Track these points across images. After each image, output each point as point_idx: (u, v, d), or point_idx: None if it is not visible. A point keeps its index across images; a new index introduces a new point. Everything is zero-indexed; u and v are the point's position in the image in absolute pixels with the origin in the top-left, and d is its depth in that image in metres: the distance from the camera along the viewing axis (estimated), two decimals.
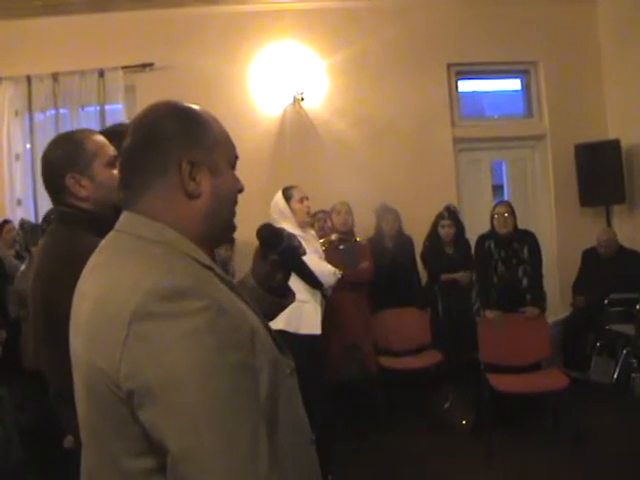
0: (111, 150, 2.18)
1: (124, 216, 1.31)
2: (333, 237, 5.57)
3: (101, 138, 2.21)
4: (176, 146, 1.27)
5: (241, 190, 1.41)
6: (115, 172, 2.14)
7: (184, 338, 1.07)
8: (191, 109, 1.35)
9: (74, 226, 2.12)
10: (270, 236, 1.59)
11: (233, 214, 1.40)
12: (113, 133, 2.36)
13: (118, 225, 1.31)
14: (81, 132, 2.24)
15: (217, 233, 1.37)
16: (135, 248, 1.24)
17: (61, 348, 2.07)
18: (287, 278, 1.63)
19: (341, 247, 5.55)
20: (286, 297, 1.66)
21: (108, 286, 1.19)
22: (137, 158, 1.29)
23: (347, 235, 5.69)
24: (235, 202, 1.40)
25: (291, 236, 1.59)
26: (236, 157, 1.41)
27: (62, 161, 2.12)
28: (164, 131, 1.28)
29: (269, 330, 1.33)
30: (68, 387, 2.02)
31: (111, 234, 1.32)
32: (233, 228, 1.42)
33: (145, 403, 1.07)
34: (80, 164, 2.12)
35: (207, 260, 1.27)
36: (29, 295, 2.20)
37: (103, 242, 1.33)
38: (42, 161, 2.20)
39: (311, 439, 1.39)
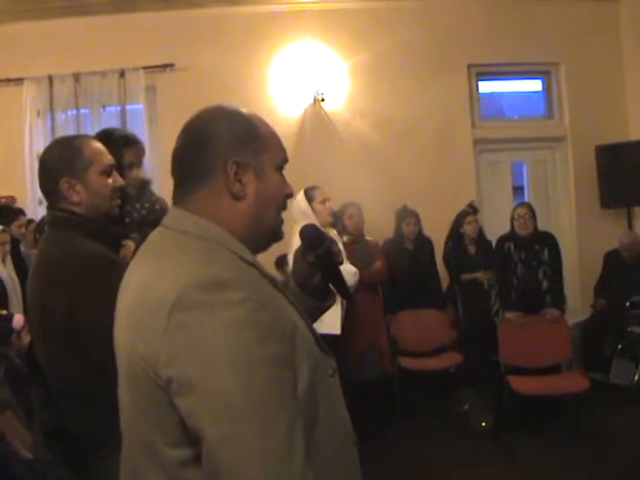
0: (108, 159, 2.19)
1: (172, 212, 1.36)
2: (345, 239, 5.53)
3: (99, 145, 2.21)
4: (224, 148, 1.31)
5: (289, 195, 1.42)
6: (109, 180, 2.16)
7: (222, 328, 1.10)
8: (240, 112, 1.38)
9: (67, 229, 2.11)
10: (312, 237, 1.56)
11: (279, 220, 1.41)
12: (106, 138, 2.41)
13: (165, 221, 1.35)
14: (80, 138, 2.26)
15: (261, 237, 1.38)
16: (179, 242, 1.28)
17: (55, 349, 2.06)
18: (326, 281, 1.59)
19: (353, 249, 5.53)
20: (325, 300, 1.61)
21: (151, 278, 1.23)
22: (187, 159, 1.34)
23: (359, 237, 5.66)
24: (282, 207, 1.41)
25: (333, 242, 1.56)
26: (285, 160, 1.42)
27: (58, 165, 2.12)
28: (213, 133, 1.32)
29: (311, 329, 1.35)
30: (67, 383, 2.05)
31: (158, 229, 1.36)
32: (278, 235, 1.43)
33: (183, 391, 1.10)
34: (76, 170, 2.11)
35: (251, 257, 1.30)
36: (27, 297, 2.20)
37: (150, 237, 1.36)
38: (39, 163, 2.19)
39: (353, 440, 1.40)
